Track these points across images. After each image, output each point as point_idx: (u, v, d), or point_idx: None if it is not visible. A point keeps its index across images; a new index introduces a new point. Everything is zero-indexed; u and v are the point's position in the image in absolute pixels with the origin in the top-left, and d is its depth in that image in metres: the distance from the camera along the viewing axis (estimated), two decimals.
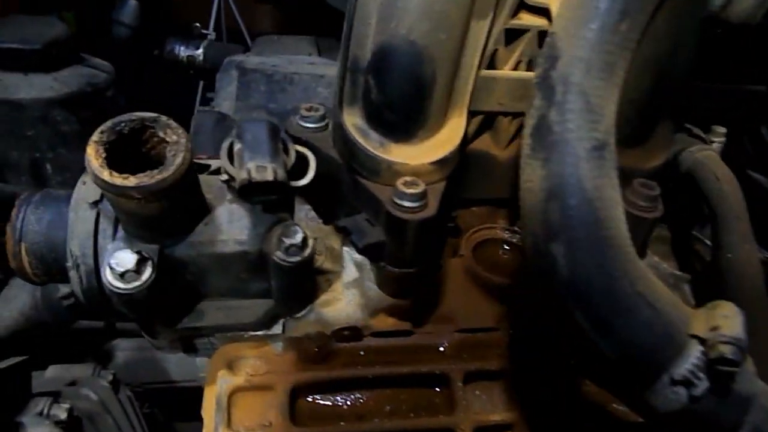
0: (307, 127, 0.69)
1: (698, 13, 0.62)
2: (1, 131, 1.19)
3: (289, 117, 0.70)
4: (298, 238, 0.52)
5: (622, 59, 0.47)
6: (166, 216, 0.48)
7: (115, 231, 0.52)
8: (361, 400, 0.66)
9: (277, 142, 0.51)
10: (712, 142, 0.72)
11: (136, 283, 0.49)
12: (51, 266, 0.54)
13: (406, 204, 0.58)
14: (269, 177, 0.47)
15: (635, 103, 0.65)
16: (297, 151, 0.55)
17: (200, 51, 1.20)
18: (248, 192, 0.49)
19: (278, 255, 0.53)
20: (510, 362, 0.69)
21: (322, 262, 0.71)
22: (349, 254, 0.72)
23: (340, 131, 0.63)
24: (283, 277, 0.57)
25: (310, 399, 0.65)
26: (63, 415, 0.83)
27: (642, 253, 0.71)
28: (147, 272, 0.50)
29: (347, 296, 0.70)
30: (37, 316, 1.07)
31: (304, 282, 0.62)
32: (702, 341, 0.42)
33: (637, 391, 0.45)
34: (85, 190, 0.53)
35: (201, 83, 1.63)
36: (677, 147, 0.72)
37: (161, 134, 0.46)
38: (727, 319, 0.43)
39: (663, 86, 0.65)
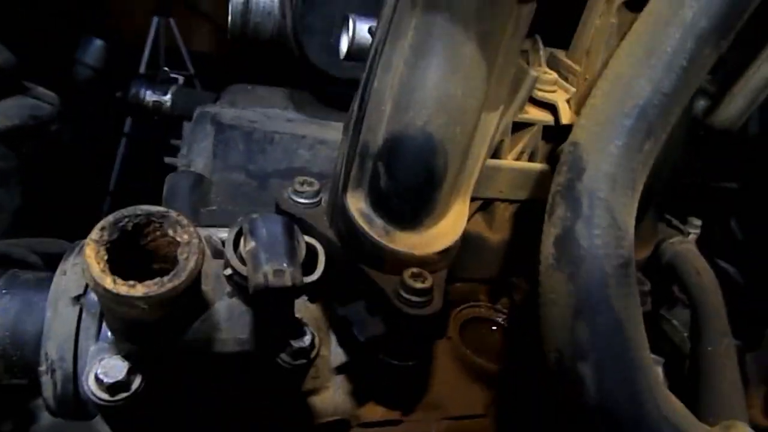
0: (301, 203, 0.65)
1: (687, 119, 0.66)
2: None
3: (279, 190, 0.67)
4: (307, 341, 0.48)
5: (642, 174, 0.48)
6: (167, 321, 0.43)
7: (99, 330, 0.46)
8: None
9: (294, 241, 0.48)
10: (689, 233, 0.76)
11: (124, 395, 0.43)
12: (14, 365, 0.47)
13: (414, 299, 0.55)
14: (288, 283, 0.44)
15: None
16: (307, 243, 0.51)
17: (168, 97, 1.12)
18: (262, 297, 0.45)
19: (283, 358, 0.49)
20: None
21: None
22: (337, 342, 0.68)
23: (342, 215, 0.60)
24: (282, 379, 0.52)
25: None
26: None
27: None
28: (137, 382, 0.44)
29: (335, 383, 0.66)
30: None
31: (301, 381, 0.57)
32: None
33: None
34: (66, 282, 0.46)
35: (128, 119, 1.55)
36: (659, 238, 0.75)
37: (170, 232, 0.41)
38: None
39: (654, 185, 0.67)
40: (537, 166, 0.68)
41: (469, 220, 0.71)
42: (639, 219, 0.70)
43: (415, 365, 0.62)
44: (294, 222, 0.56)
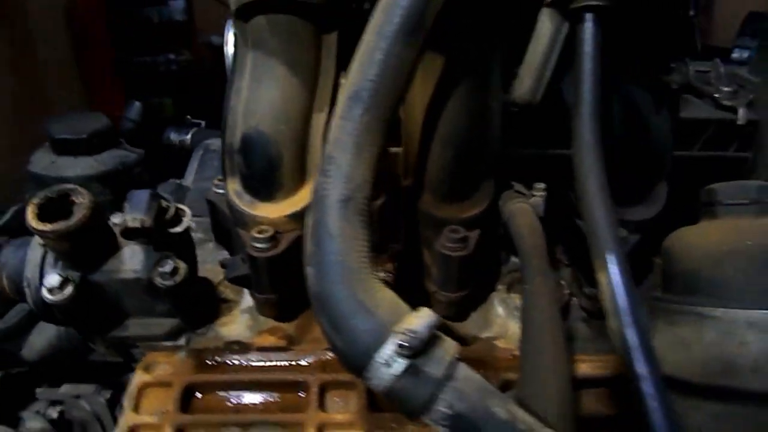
0: (217, 193, 0.94)
1: (484, 99, 0.82)
2: None
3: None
4: (168, 267, 0.76)
5: (368, 139, 0.67)
6: (78, 251, 0.74)
7: (55, 262, 0.78)
8: (242, 399, 0.86)
9: (154, 203, 0.76)
10: (533, 196, 0.89)
11: (59, 297, 0.74)
12: (19, 286, 0.81)
13: (258, 245, 0.80)
14: (137, 225, 0.72)
15: (445, 170, 0.84)
16: (177, 208, 0.80)
17: (188, 136, 1.52)
18: (128, 235, 0.74)
19: (157, 279, 0.76)
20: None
21: (227, 294, 0.94)
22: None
23: (226, 196, 0.87)
24: (168, 298, 0.80)
25: (200, 396, 0.86)
26: (54, 415, 1.08)
27: (466, 285, 0.87)
28: (69, 290, 0.75)
29: (241, 319, 0.92)
30: (59, 345, 1.36)
31: (186, 303, 0.84)
32: (396, 334, 0.59)
33: (360, 374, 0.61)
34: (36, 238, 0.80)
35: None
36: (503, 199, 0.89)
37: (74, 199, 0.72)
38: (417, 319, 0.59)
39: (468, 155, 0.84)
40: None
41: None
42: (463, 185, 0.86)
43: (279, 302, 0.85)
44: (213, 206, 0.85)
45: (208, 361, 0.87)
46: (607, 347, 0.92)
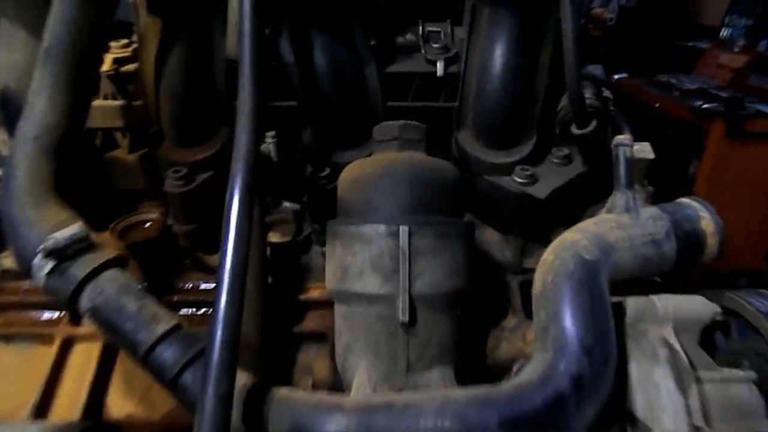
0: None
1: (201, 58, 0.94)
2: None
3: None
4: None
5: (58, 85, 0.79)
6: None
7: None
8: (7, 317, 1.00)
9: None
10: (265, 141, 1.01)
11: None
12: None
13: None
14: None
15: (171, 118, 0.96)
16: None
17: None
18: None
19: None
20: None
21: None
22: None
23: None
24: None
25: None
26: None
27: (194, 219, 0.99)
28: None
29: None
30: None
31: None
32: (45, 242, 0.72)
33: (29, 273, 0.74)
34: None
35: None
36: None
37: None
38: (64, 230, 0.72)
39: (190, 106, 0.96)
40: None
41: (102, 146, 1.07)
42: (194, 134, 0.98)
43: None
44: None
45: None
46: None
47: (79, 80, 0.82)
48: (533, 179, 0.95)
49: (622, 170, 0.80)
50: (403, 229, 0.74)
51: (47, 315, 1.00)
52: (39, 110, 0.79)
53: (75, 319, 0.98)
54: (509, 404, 0.61)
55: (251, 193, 0.67)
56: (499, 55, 0.93)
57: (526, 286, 0.93)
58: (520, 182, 0.95)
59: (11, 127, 0.97)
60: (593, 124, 0.89)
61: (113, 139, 1.06)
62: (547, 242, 0.85)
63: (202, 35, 0.94)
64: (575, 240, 0.74)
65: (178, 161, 0.97)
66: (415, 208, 0.76)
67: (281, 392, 0.67)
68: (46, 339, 0.96)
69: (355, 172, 0.81)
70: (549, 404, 0.61)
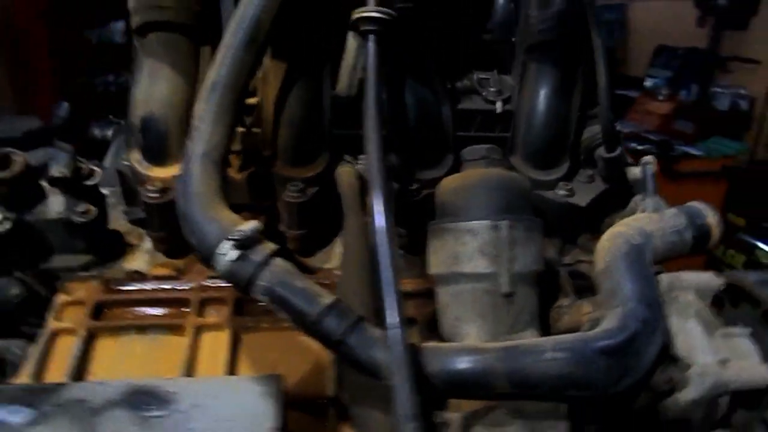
0: (124, 165, 1.24)
1: (316, 91, 1.17)
2: None
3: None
4: (82, 207, 1.06)
5: (224, 114, 1.00)
6: (14, 196, 1.03)
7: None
8: (140, 312, 1.15)
9: (72, 160, 1.06)
10: (358, 163, 1.24)
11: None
12: None
13: (150, 195, 1.11)
14: (59, 174, 1.03)
15: (288, 142, 1.18)
16: (90, 167, 1.10)
17: (110, 132, 1.82)
18: (53, 183, 1.04)
19: (73, 217, 1.06)
20: (233, 293, 1.17)
21: (132, 240, 1.24)
22: (149, 236, 1.24)
23: (130, 163, 1.18)
24: (82, 233, 1.10)
25: (107, 311, 1.15)
26: None
27: (305, 225, 1.20)
28: (7, 224, 1.03)
29: (142, 258, 1.22)
30: None
31: (96, 239, 1.14)
32: (231, 234, 0.91)
33: (210, 263, 0.92)
34: None
35: None
36: (337, 167, 1.24)
37: (13, 157, 1.02)
38: (245, 225, 0.91)
39: (307, 131, 1.18)
40: None
41: None
42: (302, 153, 1.20)
43: (168, 239, 1.16)
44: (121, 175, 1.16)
45: (113, 286, 1.16)
46: (415, 273, 1.27)
47: (234, 110, 1.03)
48: (572, 192, 1.24)
49: (649, 182, 1.09)
50: (503, 224, 0.99)
51: (175, 311, 1.15)
52: (205, 132, 0.98)
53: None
54: (603, 339, 0.86)
55: (390, 205, 0.89)
56: (542, 98, 1.23)
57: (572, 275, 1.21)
58: (563, 194, 1.23)
59: (148, 151, 1.15)
60: (619, 149, 1.19)
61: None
62: (575, 244, 1.12)
63: (316, 76, 1.17)
64: (623, 231, 1.02)
65: (294, 177, 1.18)
66: (506, 209, 1.02)
67: (429, 345, 0.89)
68: (176, 329, 1.12)
69: (455, 183, 1.06)
70: (629, 338, 0.87)
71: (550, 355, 0.85)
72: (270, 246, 0.93)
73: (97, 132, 1.84)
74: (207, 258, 0.92)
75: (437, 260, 1.04)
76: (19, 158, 1.01)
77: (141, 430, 0.73)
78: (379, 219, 0.89)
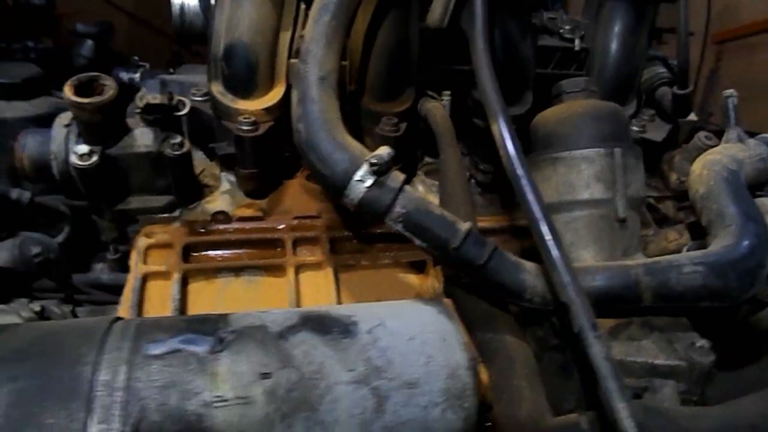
0: (195, 100, 1.15)
1: (406, 23, 1.13)
2: None
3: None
4: (177, 139, 0.98)
5: (334, 38, 0.95)
6: (104, 125, 0.93)
7: (77, 139, 0.96)
8: (227, 254, 1.09)
9: (166, 88, 0.97)
10: (441, 99, 1.22)
11: (87, 163, 0.93)
12: (39, 164, 0.97)
13: (244, 128, 1.04)
14: (157, 101, 0.93)
15: (380, 75, 1.14)
16: (179, 98, 1.01)
17: (137, 75, 1.67)
18: (149, 111, 0.94)
19: (167, 150, 0.98)
20: (325, 233, 1.13)
21: (208, 181, 1.16)
22: (225, 176, 1.17)
23: (211, 96, 1.10)
24: (174, 169, 1.01)
25: (196, 254, 1.08)
26: (37, 308, 1.21)
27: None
28: (95, 157, 0.93)
29: (222, 198, 1.14)
30: (13, 269, 1.45)
31: (186, 175, 1.06)
32: (367, 161, 0.87)
33: (341, 192, 0.88)
34: (59, 121, 0.97)
35: None
36: (421, 102, 1.21)
37: (102, 82, 0.92)
38: (381, 150, 0.88)
39: (396, 66, 1.14)
40: None
41: None
42: (393, 88, 1.17)
43: (259, 176, 1.10)
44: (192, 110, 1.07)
45: (198, 228, 1.09)
46: (494, 211, 1.28)
47: (344, 34, 0.97)
48: (644, 129, 1.28)
49: (731, 114, 1.15)
50: (617, 151, 1.01)
51: (268, 251, 1.10)
52: (320, 55, 0.93)
53: None
54: (731, 253, 0.91)
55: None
56: (617, 36, 1.26)
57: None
58: (637, 130, 1.27)
59: (234, 82, 1.08)
60: (690, 87, 1.25)
61: None
62: None
63: (406, 6, 1.13)
64: (719, 159, 1.07)
65: (386, 112, 1.14)
66: (614, 136, 1.04)
67: (577, 266, 0.90)
68: (274, 269, 1.07)
69: (563, 114, 1.07)
70: (751, 251, 0.91)
71: (690, 268, 0.89)
72: (400, 173, 0.90)
73: (123, 75, 1.67)
74: (338, 186, 0.88)
75: (547, 190, 1.05)
76: (110, 82, 0.91)
77: (335, 352, 0.69)
78: (510, 146, 0.89)
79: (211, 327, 0.70)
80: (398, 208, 0.87)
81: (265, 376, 0.66)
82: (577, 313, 0.77)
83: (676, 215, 1.31)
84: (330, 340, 0.71)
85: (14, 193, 1.54)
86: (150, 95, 0.94)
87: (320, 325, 0.73)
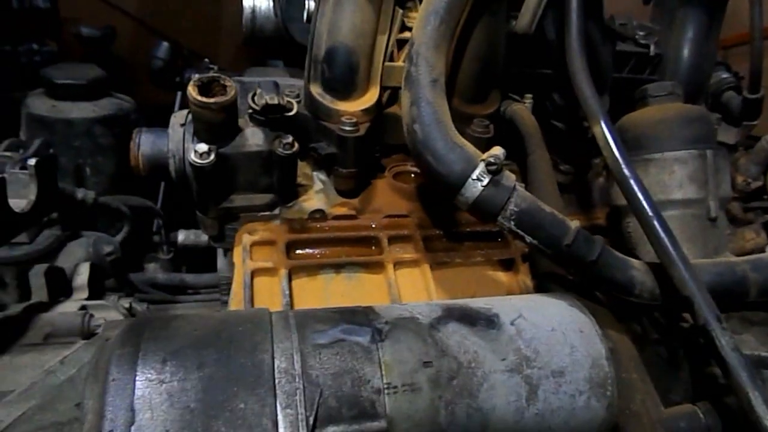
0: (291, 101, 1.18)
1: (497, 29, 1.16)
2: (56, 142, 1.63)
3: None
4: (288, 139, 1.00)
5: (443, 42, 0.98)
6: (223, 125, 0.96)
7: (193, 138, 0.99)
8: (327, 251, 1.12)
9: (279, 89, 1.00)
10: (524, 102, 1.25)
11: (207, 160, 0.95)
12: (153, 161, 1.00)
13: (347, 128, 1.07)
14: (276, 102, 0.96)
15: (472, 78, 1.17)
16: (289, 100, 1.04)
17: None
18: (267, 111, 0.97)
19: (278, 150, 1.01)
20: (417, 231, 1.16)
21: (301, 180, 1.19)
22: (317, 176, 1.20)
23: (309, 96, 1.12)
24: (281, 169, 1.04)
25: (298, 251, 1.10)
26: (126, 305, 1.24)
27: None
28: (212, 156, 0.96)
29: (317, 197, 1.17)
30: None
31: (291, 174, 1.08)
32: (483, 161, 0.91)
33: (456, 191, 0.91)
34: (175, 121, 1.00)
35: (178, 93, 1.98)
36: (504, 104, 1.24)
37: (222, 83, 0.94)
38: (496, 150, 0.91)
39: (487, 69, 1.18)
40: None
41: (389, 104, 1.23)
42: (482, 91, 1.20)
43: (357, 177, 1.13)
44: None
45: (297, 226, 1.11)
46: (572, 211, 1.32)
47: (451, 38, 1.01)
48: (716, 132, 1.32)
49: None
50: (709, 153, 1.05)
51: (365, 249, 1.12)
52: (430, 58, 0.97)
53: None
54: None
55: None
56: (690, 41, 1.30)
57: None
58: None
59: (334, 83, 1.11)
60: (762, 91, 1.29)
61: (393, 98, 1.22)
62: None
63: (497, 13, 1.16)
64: None
65: (476, 114, 1.17)
66: (704, 138, 1.08)
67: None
68: (373, 266, 1.10)
69: (654, 116, 1.11)
70: None
71: None
72: (512, 173, 0.93)
73: (193, 76, 1.70)
74: (454, 185, 0.91)
75: None
76: (230, 83, 0.94)
77: (486, 342, 0.72)
78: (616, 148, 0.93)
79: (364, 318, 0.73)
80: (512, 207, 0.90)
81: (427, 364, 0.69)
82: (700, 306, 0.80)
83: (745, 216, 1.35)
84: (478, 330, 0.74)
85: (80, 193, 1.57)
86: (267, 95, 0.97)
87: (466, 316, 0.76)
